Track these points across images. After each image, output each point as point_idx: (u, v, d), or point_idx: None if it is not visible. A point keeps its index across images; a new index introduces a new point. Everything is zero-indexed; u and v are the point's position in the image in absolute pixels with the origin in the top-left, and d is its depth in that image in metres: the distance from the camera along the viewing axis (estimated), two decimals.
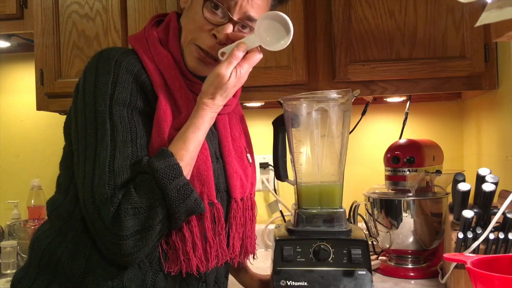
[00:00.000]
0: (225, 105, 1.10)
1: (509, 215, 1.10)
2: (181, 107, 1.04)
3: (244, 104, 1.86)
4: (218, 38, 1.05)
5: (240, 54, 1.02)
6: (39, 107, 1.73)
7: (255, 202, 1.22)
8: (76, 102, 1.03)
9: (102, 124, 0.97)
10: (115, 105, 0.98)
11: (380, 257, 1.61)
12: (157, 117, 1.01)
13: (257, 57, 1.04)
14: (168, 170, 0.95)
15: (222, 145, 1.13)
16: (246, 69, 1.03)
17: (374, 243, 1.60)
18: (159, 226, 0.95)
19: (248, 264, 1.34)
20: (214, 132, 1.13)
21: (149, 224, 0.94)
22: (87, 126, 0.98)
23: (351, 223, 1.47)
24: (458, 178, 1.27)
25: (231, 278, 1.34)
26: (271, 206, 1.97)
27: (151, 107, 1.02)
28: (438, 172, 1.52)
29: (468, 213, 1.14)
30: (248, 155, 1.21)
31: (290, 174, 1.35)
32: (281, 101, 1.32)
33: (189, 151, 0.99)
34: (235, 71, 1.01)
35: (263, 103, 1.87)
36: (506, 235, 1.10)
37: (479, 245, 1.12)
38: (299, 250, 1.18)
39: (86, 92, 1.00)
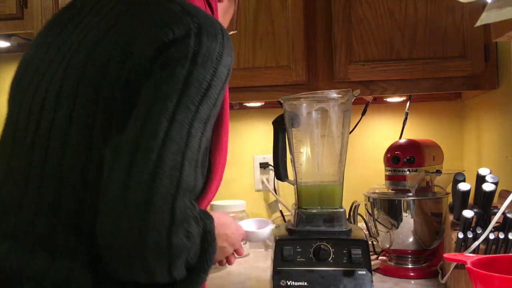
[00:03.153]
0: None
1: (509, 215, 1.10)
2: (225, 115, 0.92)
3: (244, 104, 1.86)
4: None
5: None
6: None
7: None
8: (196, 56, 0.77)
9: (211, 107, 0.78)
10: (220, 96, 0.80)
11: (380, 257, 1.61)
12: (222, 127, 0.88)
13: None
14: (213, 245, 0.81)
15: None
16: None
17: (374, 243, 1.60)
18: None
19: (248, 264, 1.34)
20: None
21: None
22: (207, 97, 0.76)
23: (351, 223, 1.46)
24: (458, 178, 1.27)
25: (231, 278, 1.34)
26: (271, 206, 1.97)
27: None
28: (438, 172, 1.52)
29: (468, 213, 1.14)
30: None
31: (290, 174, 1.35)
32: (281, 101, 1.32)
33: None
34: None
35: (263, 103, 1.87)
36: (506, 235, 1.10)
37: (479, 245, 1.12)
38: (299, 250, 1.18)
39: (211, 58, 0.78)
